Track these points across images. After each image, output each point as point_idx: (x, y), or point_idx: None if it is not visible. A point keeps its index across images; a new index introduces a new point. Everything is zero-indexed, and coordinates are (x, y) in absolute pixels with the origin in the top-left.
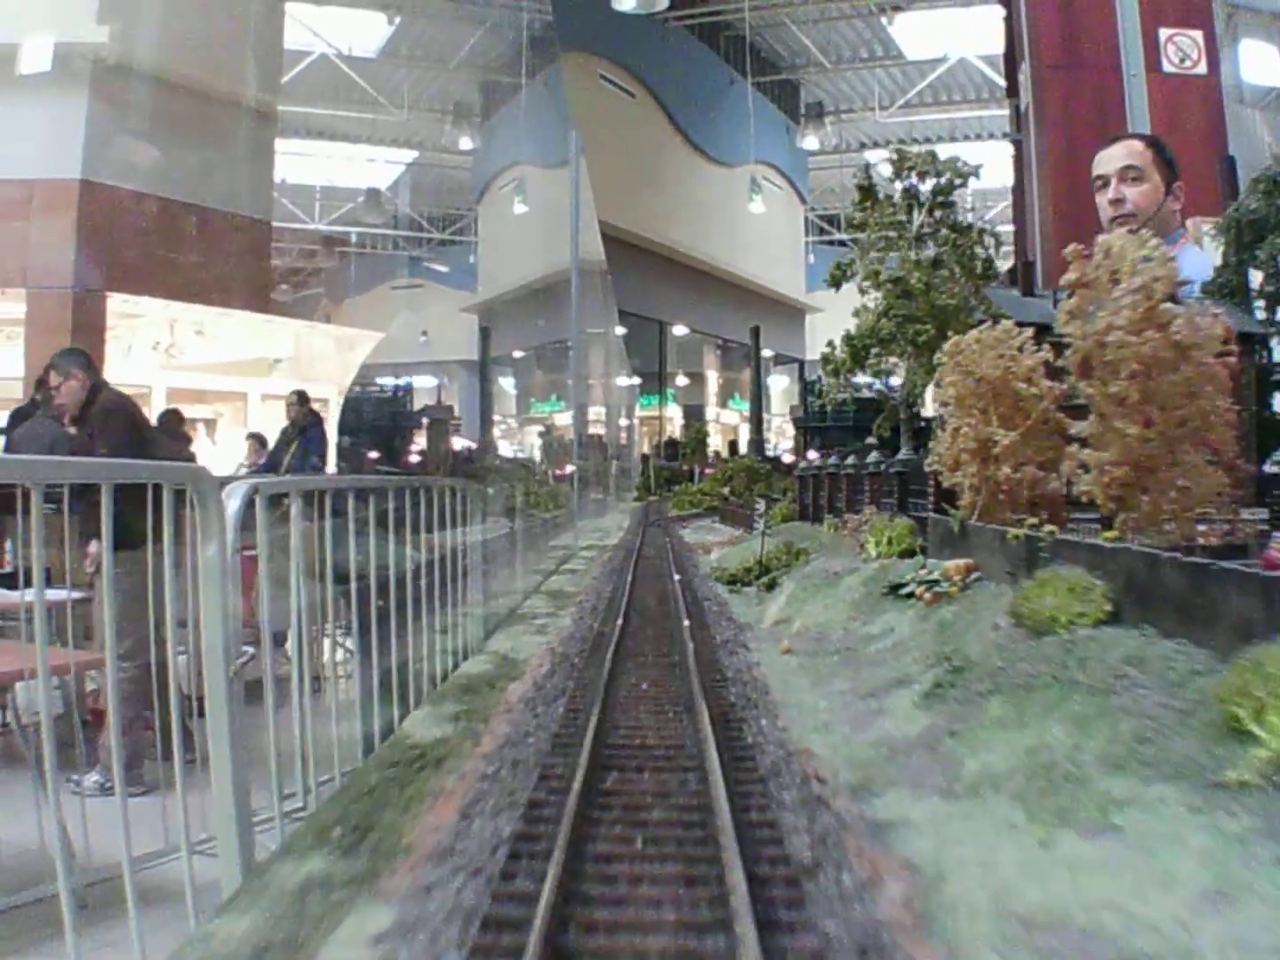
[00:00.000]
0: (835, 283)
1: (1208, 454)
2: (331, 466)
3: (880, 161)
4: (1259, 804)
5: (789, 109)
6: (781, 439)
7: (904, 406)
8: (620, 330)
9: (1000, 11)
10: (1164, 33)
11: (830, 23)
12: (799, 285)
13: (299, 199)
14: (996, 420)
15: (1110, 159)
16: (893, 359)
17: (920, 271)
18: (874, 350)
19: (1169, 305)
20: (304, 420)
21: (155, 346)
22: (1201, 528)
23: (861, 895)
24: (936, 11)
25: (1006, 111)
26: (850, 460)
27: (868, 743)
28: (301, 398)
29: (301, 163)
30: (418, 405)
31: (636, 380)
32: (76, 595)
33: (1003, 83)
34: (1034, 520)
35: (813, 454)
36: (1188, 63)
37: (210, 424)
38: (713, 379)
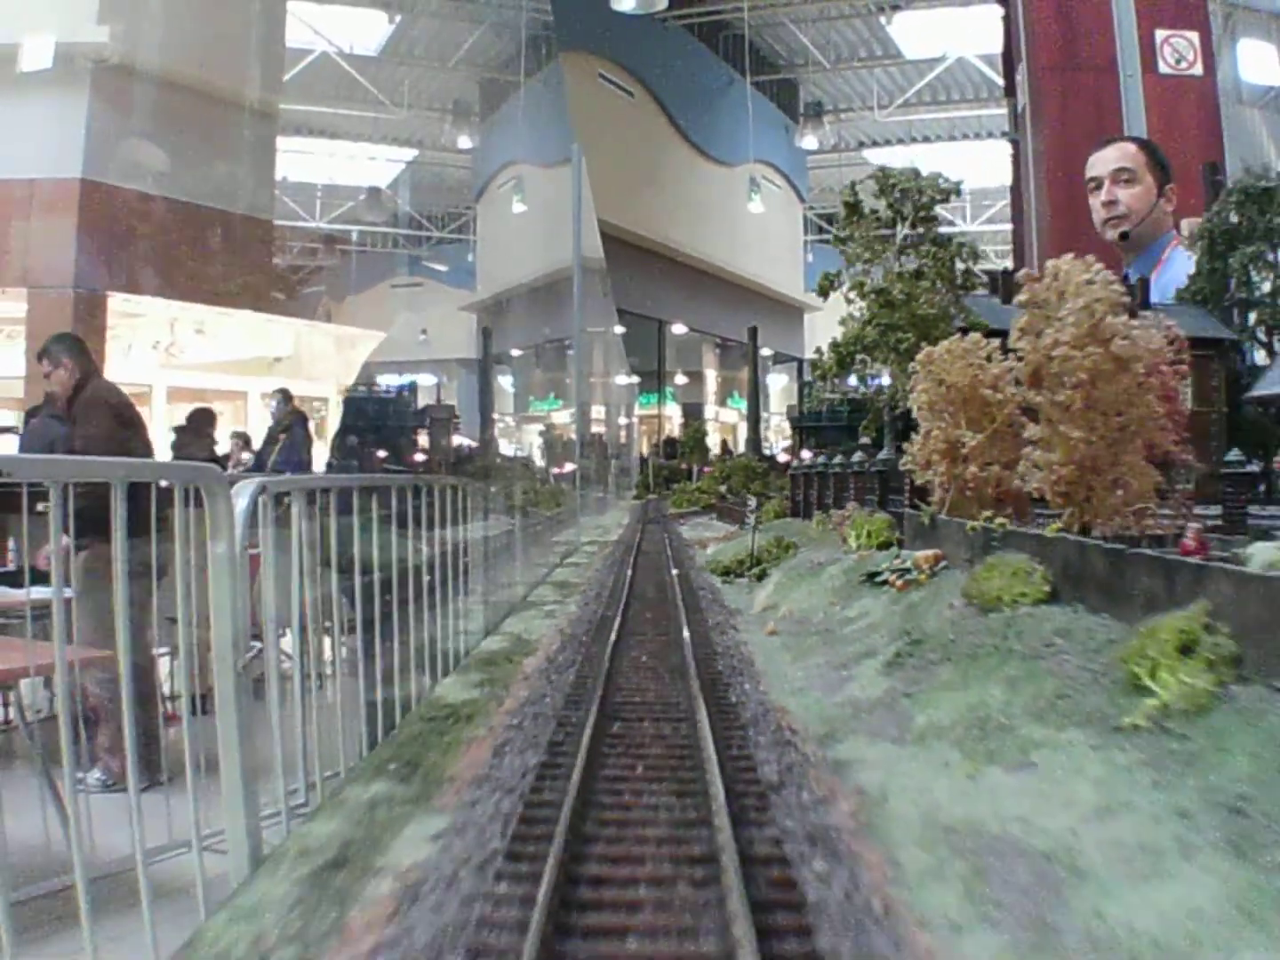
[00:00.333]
0: (823, 292)
1: (1144, 454)
2: (320, 465)
3: (864, 180)
4: (1146, 742)
5: (788, 108)
6: (781, 438)
7: (887, 409)
8: (619, 329)
9: (999, 10)
10: (1160, 34)
11: (829, 22)
12: (797, 284)
13: (300, 197)
14: (965, 423)
15: (1103, 161)
16: (877, 365)
17: (902, 283)
18: (859, 357)
19: (1110, 320)
20: (288, 419)
21: (155, 345)
22: (1166, 521)
23: (817, 807)
24: (935, 11)
25: (1005, 110)
26: (838, 460)
27: (835, 703)
28: (285, 396)
29: (303, 160)
30: (419, 404)
31: (635, 379)
32: (68, 593)
33: (1001, 81)
34: (1000, 515)
35: (806, 453)
36: (1184, 64)
37: None
38: (711, 377)
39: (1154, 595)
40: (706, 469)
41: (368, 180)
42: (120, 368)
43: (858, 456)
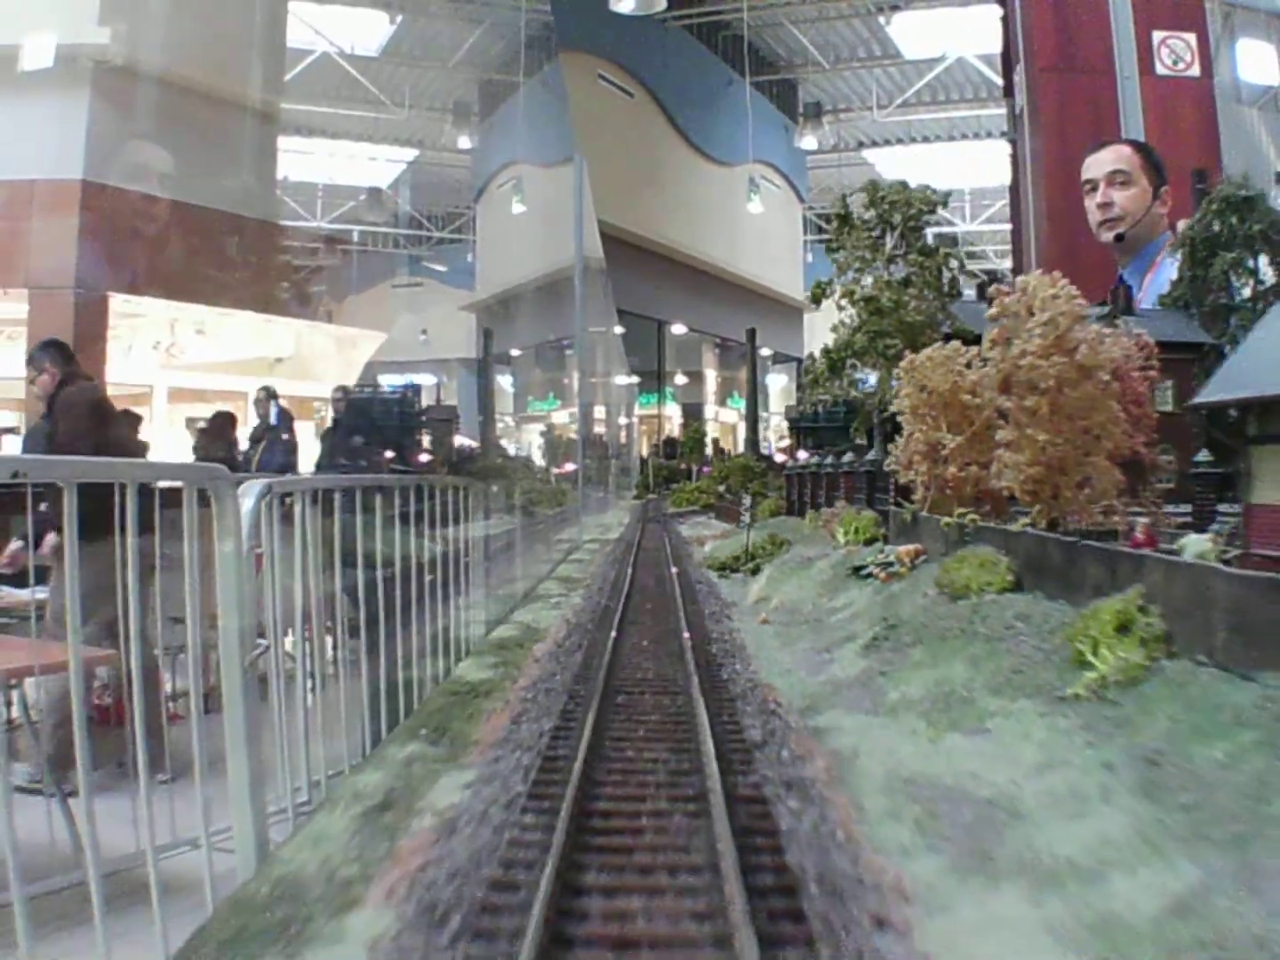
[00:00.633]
0: (815, 300)
1: (1110, 455)
2: (308, 466)
3: (855, 192)
4: (1086, 710)
5: (787, 108)
6: (779, 438)
7: (876, 412)
8: (619, 329)
9: (998, 10)
10: (1157, 35)
11: (828, 22)
12: (797, 284)
13: (301, 197)
14: (945, 426)
15: (1099, 163)
16: (866, 369)
17: (891, 291)
18: (849, 362)
19: (1074, 333)
20: (270, 418)
21: (156, 346)
22: (1142, 519)
23: (795, 763)
24: (934, 11)
25: (1004, 110)
26: (829, 460)
27: (818, 681)
28: (269, 395)
29: (304, 160)
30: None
31: (635, 379)
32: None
33: (1000, 81)
34: (979, 512)
35: (803, 454)
36: (1181, 65)
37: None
38: (711, 377)
39: (1101, 582)
40: (706, 469)
41: (368, 180)
42: (121, 368)
43: (848, 457)
